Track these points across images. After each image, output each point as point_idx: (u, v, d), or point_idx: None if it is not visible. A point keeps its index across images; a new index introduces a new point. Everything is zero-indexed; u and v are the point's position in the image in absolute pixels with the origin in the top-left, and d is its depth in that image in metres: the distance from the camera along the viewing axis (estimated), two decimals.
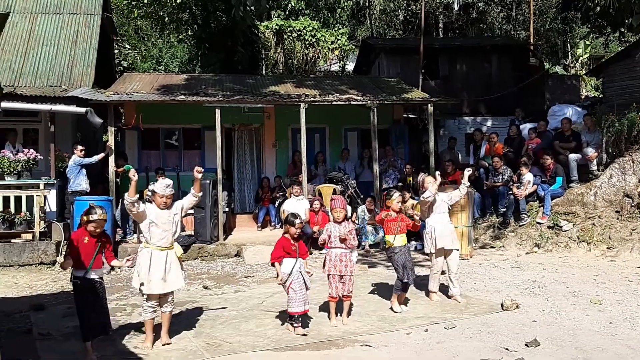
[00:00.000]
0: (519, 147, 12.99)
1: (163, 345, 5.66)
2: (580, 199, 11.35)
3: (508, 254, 10.72)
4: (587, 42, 25.98)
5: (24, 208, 10.65)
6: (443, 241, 7.14)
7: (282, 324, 6.30)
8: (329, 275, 6.34)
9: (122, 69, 23.47)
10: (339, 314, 6.38)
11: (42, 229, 10.63)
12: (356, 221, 11.92)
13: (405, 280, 6.69)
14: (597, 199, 11.17)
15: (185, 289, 7.40)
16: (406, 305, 6.93)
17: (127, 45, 26.94)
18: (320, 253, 10.24)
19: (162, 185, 5.64)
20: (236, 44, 20.03)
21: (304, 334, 5.96)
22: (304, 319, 6.18)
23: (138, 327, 6.34)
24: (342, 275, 6.26)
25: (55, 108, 11.11)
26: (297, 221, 6.10)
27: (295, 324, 6.06)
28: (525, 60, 19.34)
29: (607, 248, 10.15)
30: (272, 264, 6.16)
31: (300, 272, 6.07)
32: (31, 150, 11.07)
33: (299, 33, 21.75)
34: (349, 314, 6.45)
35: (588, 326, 5.95)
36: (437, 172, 7.63)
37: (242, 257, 11.04)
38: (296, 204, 11.24)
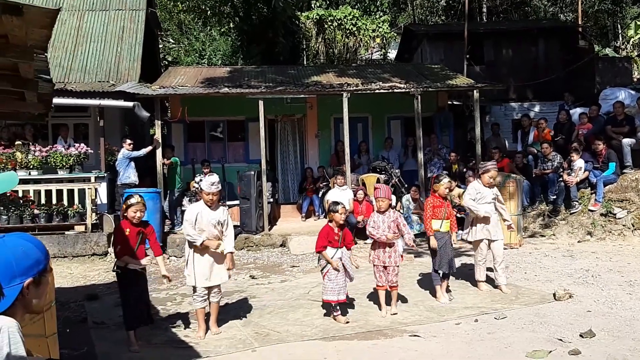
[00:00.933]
0: (569, 132, 12.59)
1: (213, 334, 5.76)
2: (634, 185, 10.93)
3: (559, 243, 10.43)
4: (639, 23, 24.91)
5: (76, 201, 10.96)
6: (486, 231, 7.01)
7: (329, 314, 6.31)
8: (373, 265, 6.35)
9: (166, 63, 23.85)
10: (387, 304, 6.35)
11: (94, 221, 10.91)
12: (401, 210, 11.81)
13: (441, 271, 6.64)
14: None
15: (232, 279, 7.49)
16: (450, 294, 6.85)
17: (171, 40, 27.35)
18: (365, 243, 10.20)
19: (208, 183, 5.70)
20: (277, 35, 20.03)
21: (346, 322, 5.96)
22: (342, 308, 6.17)
23: (188, 316, 6.46)
24: (385, 266, 6.23)
25: (103, 103, 11.40)
26: (339, 207, 6.09)
27: (335, 312, 6.07)
28: (574, 43, 18.67)
29: None
30: (319, 252, 6.12)
31: (342, 260, 6.05)
32: (82, 145, 11.36)
33: (339, 22, 21.57)
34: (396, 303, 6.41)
35: None
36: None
37: (287, 247, 11.09)
38: (340, 194, 11.19)
